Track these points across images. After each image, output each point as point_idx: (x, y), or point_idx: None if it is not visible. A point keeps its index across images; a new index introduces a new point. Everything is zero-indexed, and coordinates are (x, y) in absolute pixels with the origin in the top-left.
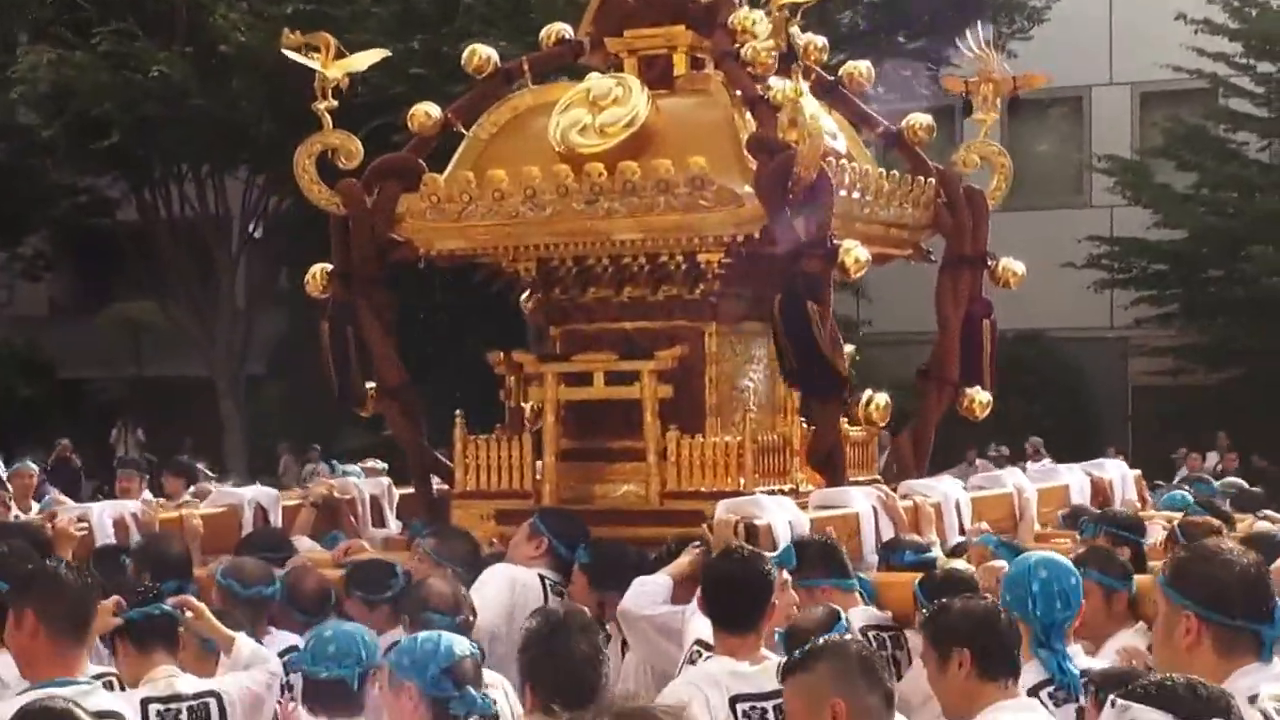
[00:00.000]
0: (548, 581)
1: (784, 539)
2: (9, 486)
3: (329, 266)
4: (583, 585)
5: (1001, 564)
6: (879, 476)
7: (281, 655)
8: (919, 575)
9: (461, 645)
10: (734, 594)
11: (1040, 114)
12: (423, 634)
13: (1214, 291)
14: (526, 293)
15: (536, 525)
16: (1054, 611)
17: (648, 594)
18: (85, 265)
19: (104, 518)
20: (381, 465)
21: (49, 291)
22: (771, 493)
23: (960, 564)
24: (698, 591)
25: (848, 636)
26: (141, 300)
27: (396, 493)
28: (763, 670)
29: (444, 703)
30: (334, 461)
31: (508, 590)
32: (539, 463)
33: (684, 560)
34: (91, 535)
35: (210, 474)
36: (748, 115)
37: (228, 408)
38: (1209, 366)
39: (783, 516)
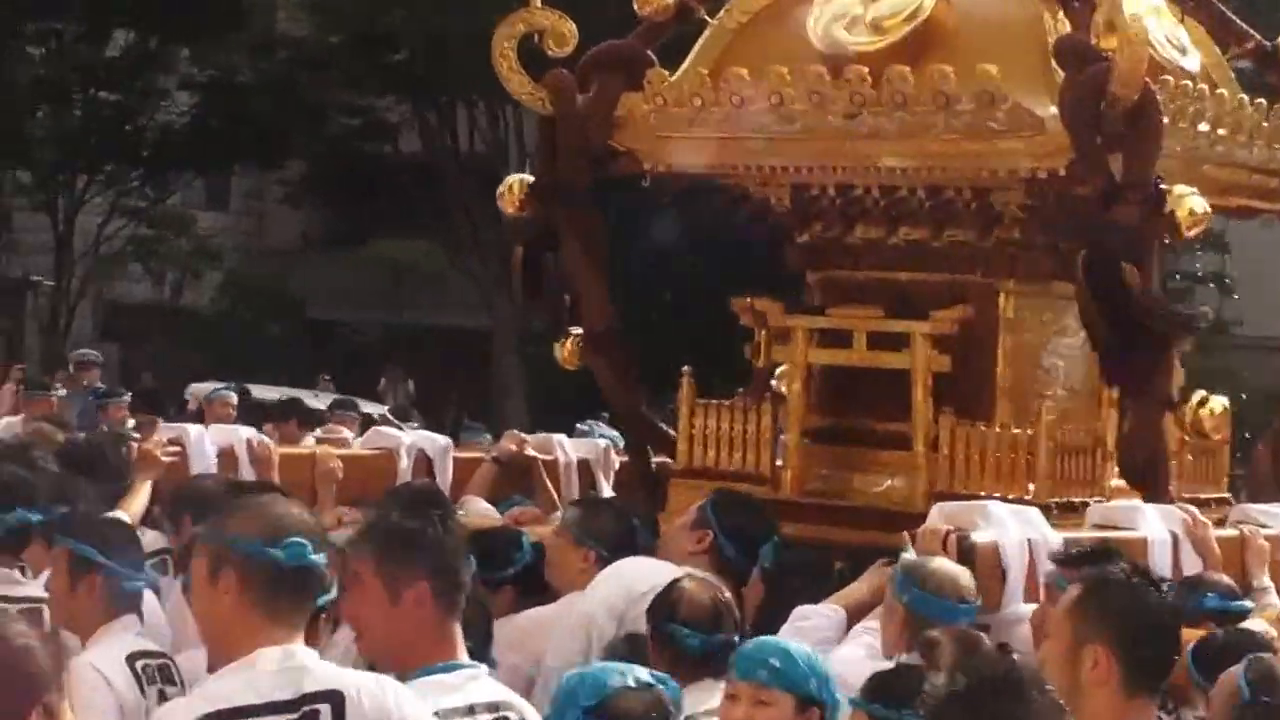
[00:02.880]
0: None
1: (1016, 565)
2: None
3: (528, 178)
4: (758, 596)
5: None
6: (1227, 496)
7: None
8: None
9: (628, 673)
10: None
11: None
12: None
13: None
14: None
15: (705, 513)
16: None
17: (810, 630)
18: (344, 197)
19: (204, 443)
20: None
21: (302, 223)
22: (1069, 505)
23: (1260, 623)
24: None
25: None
26: (405, 239)
27: (616, 460)
28: None
29: None
30: (590, 421)
31: (623, 600)
32: (781, 440)
33: (862, 585)
34: (185, 462)
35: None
36: (1060, 14)
37: (509, 366)
38: None
39: (1017, 533)
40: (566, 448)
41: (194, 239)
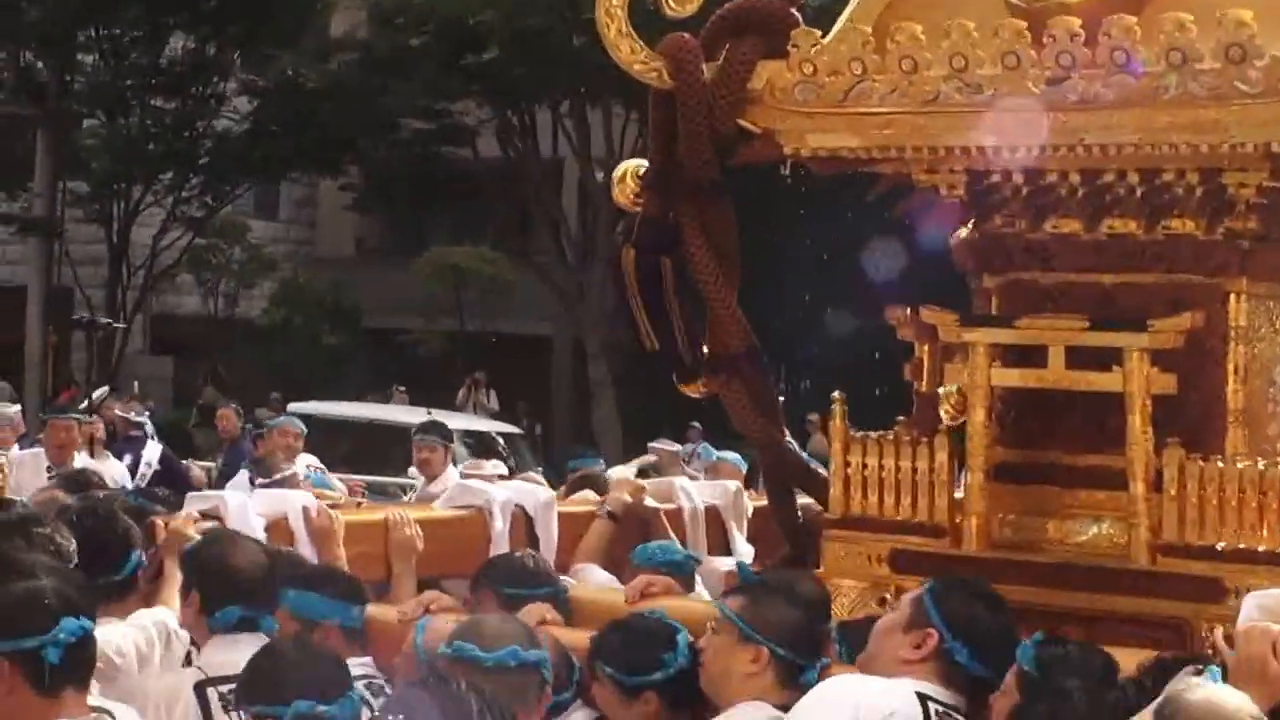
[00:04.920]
0: (933, 708)
1: None
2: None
3: (642, 164)
4: (1007, 709)
5: None
6: None
7: None
8: None
9: None
10: None
11: None
12: None
13: None
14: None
15: (924, 606)
16: None
17: None
18: (402, 203)
19: (248, 514)
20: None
21: (356, 230)
22: None
23: None
24: None
25: None
26: (464, 245)
27: (749, 504)
28: None
29: None
30: (704, 444)
31: None
32: (961, 481)
33: None
34: None
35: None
36: None
37: (598, 374)
38: None
39: None
40: (691, 493)
41: (248, 248)
